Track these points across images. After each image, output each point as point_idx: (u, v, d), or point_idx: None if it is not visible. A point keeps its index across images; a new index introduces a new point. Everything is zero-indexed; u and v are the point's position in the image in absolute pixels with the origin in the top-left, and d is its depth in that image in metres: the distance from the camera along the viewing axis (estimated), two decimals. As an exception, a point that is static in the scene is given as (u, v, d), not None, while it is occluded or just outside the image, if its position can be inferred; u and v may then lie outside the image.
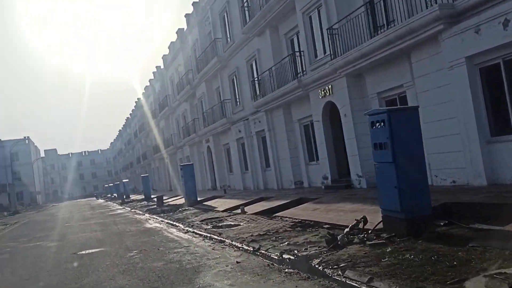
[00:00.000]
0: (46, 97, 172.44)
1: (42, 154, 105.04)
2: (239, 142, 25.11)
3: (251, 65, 22.95)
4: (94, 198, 75.86)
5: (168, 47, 39.51)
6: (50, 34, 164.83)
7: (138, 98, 60.89)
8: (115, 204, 39.84)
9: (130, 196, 48.12)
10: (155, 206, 25.32)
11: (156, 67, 45.26)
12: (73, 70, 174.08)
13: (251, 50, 22.31)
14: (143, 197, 37.95)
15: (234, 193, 23.40)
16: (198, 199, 22.33)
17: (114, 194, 62.45)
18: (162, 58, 42.15)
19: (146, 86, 53.45)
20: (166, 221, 16.37)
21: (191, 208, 19.89)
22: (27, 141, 80.00)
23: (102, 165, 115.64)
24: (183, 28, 34.42)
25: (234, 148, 25.66)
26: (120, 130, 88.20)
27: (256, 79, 21.32)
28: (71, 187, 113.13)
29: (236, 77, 24.78)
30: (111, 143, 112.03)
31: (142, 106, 58.41)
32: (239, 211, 14.89)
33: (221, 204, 18.65)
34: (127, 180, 52.53)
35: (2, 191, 56.17)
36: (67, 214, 32.52)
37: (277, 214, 12.37)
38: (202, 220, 14.18)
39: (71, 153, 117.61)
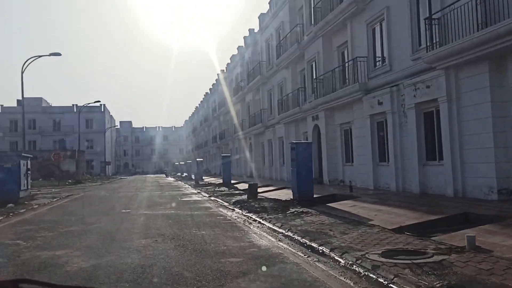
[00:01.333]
0: (125, 69, 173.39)
1: (117, 125, 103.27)
2: (375, 120, 17.28)
3: (418, 0, 14.91)
4: (164, 175, 71.46)
5: (269, 3, 32.24)
6: (134, 8, 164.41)
7: (221, 70, 54.63)
8: (187, 185, 33.58)
9: (203, 177, 42.02)
10: (245, 197, 18.24)
11: (249, 30, 38.20)
12: (155, 45, 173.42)
13: (422, -25, 14.29)
14: (221, 181, 31.35)
15: (367, 193, 15.59)
16: (314, 195, 14.93)
17: (185, 174, 57.30)
18: (259, 17, 34.99)
19: (233, 55, 46.83)
20: (287, 233, 9.13)
21: (311, 210, 12.44)
22: (102, 108, 76.93)
23: (174, 142, 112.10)
24: (293, -26, 26.90)
25: (364, 128, 17.85)
26: (196, 107, 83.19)
27: (431, 17, 13.25)
28: (141, 161, 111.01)
29: (382, 22, 16.83)
30: (186, 120, 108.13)
31: (225, 79, 52.09)
32: (452, 242, 7.14)
33: (371, 213, 10.96)
34: (201, 159, 46.47)
35: (71, 157, 52.36)
36: (131, 192, 26.55)
37: None
38: (386, 255, 6.59)
39: (145, 127, 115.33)
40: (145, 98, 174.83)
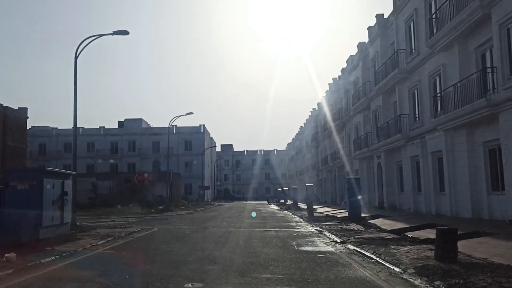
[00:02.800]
0: (225, 93, 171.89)
1: (218, 149, 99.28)
2: None
3: None
4: (266, 202, 64.12)
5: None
6: (235, 29, 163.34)
7: (333, 79, 46.35)
8: (298, 218, 25.20)
9: (314, 206, 33.37)
10: (416, 249, 9.47)
11: (377, 15, 29.26)
12: (257, 63, 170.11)
13: None
14: (345, 214, 22.74)
15: None
16: None
17: (289, 201, 49.41)
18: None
19: (350, 56, 38.25)
20: None
21: None
22: (202, 129, 72.48)
23: (276, 167, 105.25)
24: None
25: None
26: (301, 126, 75.42)
27: None
28: (242, 186, 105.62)
29: None
30: (288, 143, 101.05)
31: (337, 89, 43.72)
32: None
33: None
34: (312, 184, 38.03)
35: (164, 180, 47.07)
36: (223, 228, 18.84)
37: None
38: None
39: (246, 151, 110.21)
40: (246, 121, 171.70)
